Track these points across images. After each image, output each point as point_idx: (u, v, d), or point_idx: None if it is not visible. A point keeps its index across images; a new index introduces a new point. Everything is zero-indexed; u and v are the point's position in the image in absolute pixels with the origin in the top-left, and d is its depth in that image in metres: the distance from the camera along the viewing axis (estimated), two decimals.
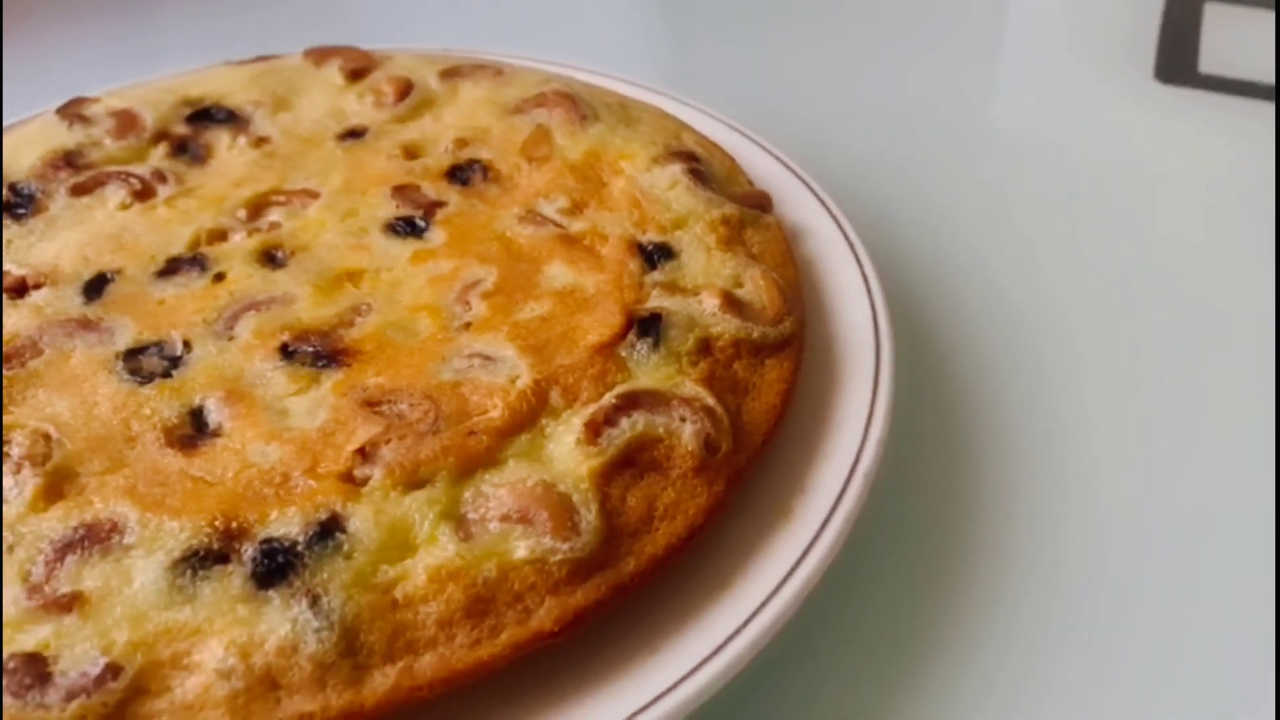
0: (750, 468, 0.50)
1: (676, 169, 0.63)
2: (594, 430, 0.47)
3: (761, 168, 0.69)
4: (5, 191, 0.65)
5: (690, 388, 0.50)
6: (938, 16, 1.03)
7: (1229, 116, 0.88)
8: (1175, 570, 0.54)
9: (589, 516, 0.45)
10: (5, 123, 0.72)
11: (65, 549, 0.44)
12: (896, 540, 0.55)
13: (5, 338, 0.55)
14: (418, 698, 0.41)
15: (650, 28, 1.05)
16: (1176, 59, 0.95)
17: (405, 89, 0.72)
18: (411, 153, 0.68)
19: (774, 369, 0.53)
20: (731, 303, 0.54)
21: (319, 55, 0.76)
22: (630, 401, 0.49)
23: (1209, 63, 0.94)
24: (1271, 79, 0.91)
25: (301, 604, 0.41)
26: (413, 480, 0.46)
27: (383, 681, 0.41)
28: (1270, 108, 0.88)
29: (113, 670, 0.40)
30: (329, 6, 1.04)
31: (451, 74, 0.74)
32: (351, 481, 0.46)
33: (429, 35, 0.82)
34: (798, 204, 0.67)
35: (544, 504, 0.44)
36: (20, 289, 0.58)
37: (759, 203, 0.64)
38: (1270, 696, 0.48)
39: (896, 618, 0.52)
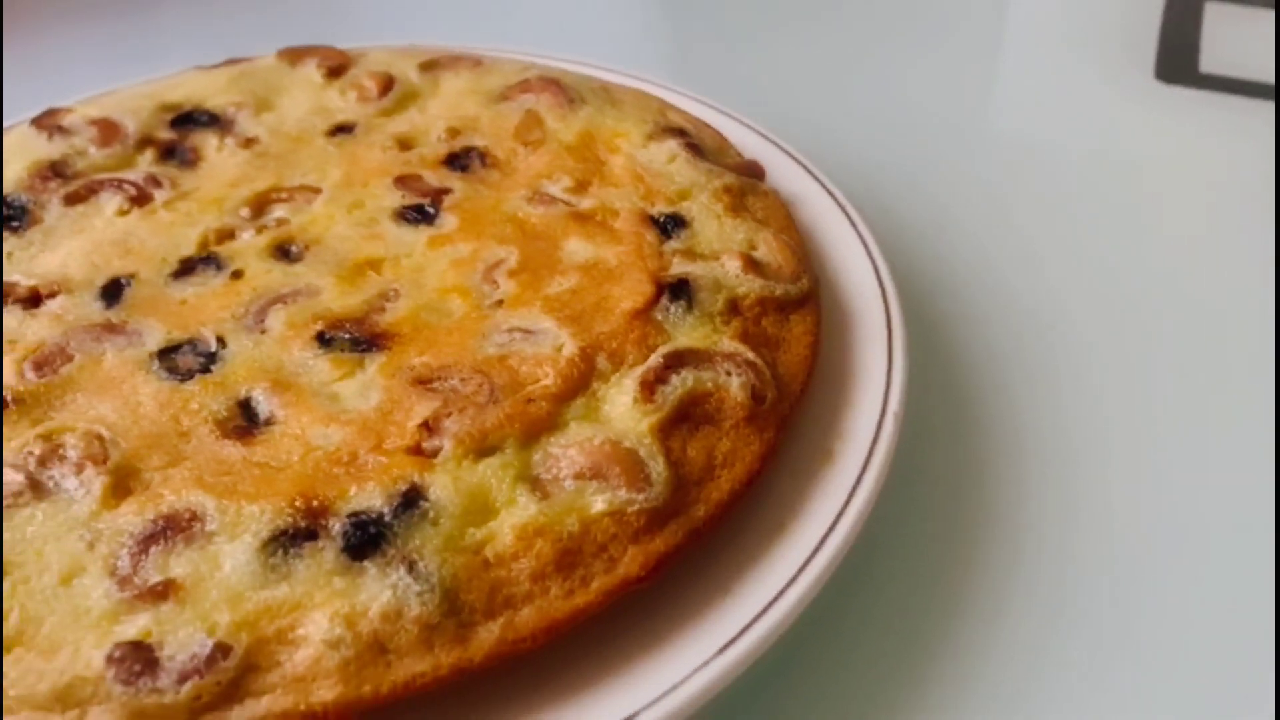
0: (794, 415, 0.52)
1: (673, 143, 0.66)
2: (648, 388, 0.49)
3: (753, 147, 0.72)
4: None
5: (729, 344, 0.52)
6: (938, 16, 1.04)
7: (1229, 116, 0.88)
8: (1185, 569, 0.55)
9: (658, 468, 0.47)
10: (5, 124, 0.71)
11: (148, 541, 0.44)
12: (905, 536, 0.56)
13: (31, 347, 0.54)
14: (522, 649, 0.43)
15: (650, 27, 1.06)
16: (1177, 58, 0.95)
17: (388, 83, 0.73)
18: (405, 144, 0.68)
19: (799, 323, 0.56)
20: (751, 264, 0.57)
21: (293, 55, 0.77)
22: (677, 360, 0.51)
23: (1209, 62, 0.94)
24: (1272, 78, 0.91)
25: (400, 570, 0.42)
26: (482, 448, 0.47)
27: (488, 636, 0.42)
28: (1270, 107, 0.88)
29: (222, 650, 0.40)
30: (326, 6, 1.04)
31: (431, 66, 0.75)
32: (421, 454, 0.47)
33: (421, 32, 0.82)
34: (789, 177, 0.70)
35: (615, 460, 0.46)
36: (34, 299, 0.58)
37: (753, 171, 0.66)
38: (1272, 698, 0.49)
39: (905, 614, 0.53)
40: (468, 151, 0.67)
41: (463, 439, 0.47)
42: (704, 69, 0.98)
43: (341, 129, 0.70)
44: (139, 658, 0.40)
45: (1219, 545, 0.56)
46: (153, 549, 0.44)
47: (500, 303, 0.56)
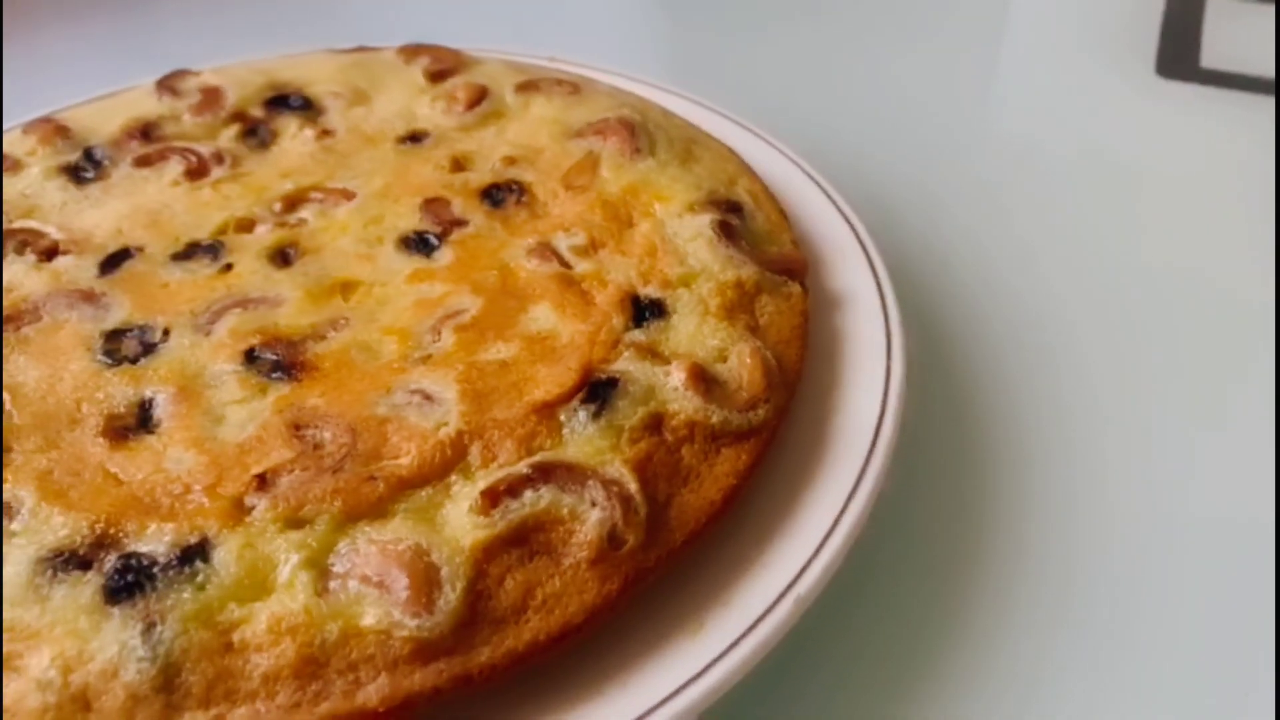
0: (662, 568, 0.45)
1: (705, 220, 0.58)
2: (492, 499, 0.44)
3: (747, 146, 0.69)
4: (79, 155, 0.67)
5: (616, 469, 0.46)
6: (939, 10, 1.04)
7: (1230, 111, 0.88)
8: (1185, 565, 0.55)
9: (450, 595, 0.41)
10: (6, 125, 0.72)
11: None
12: (907, 535, 0.56)
13: (19, 298, 0.56)
14: None
15: (650, 20, 1.05)
16: (1178, 54, 0.95)
17: (477, 98, 0.71)
18: (460, 165, 0.66)
19: (728, 460, 0.48)
20: (700, 378, 0.49)
21: (410, 52, 0.76)
22: (543, 473, 0.45)
23: (1210, 57, 0.94)
24: (1272, 73, 0.92)
25: (135, 629, 0.40)
26: (294, 518, 0.44)
27: None
28: (1271, 102, 0.88)
29: None
30: (331, 4, 1.03)
31: (528, 87, 0.72)
32: (240, 508, 0.44)
33: (428, 29, 0.80)
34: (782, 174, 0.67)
35: (408, 571, 0.41)
36: (51, 253, 0.60)
37: (789, 268, 0.58)
38: (1272, 695, 0.49)
39: (909, 612, 0.52)
40: (509, 185, 0.63)
41: (278, 503, 0.44)
42: (703, 67, 0.97)
43: (414, 137, 0.68)
44: None
45: (1219, 541, 0.56)
46: None
47: (428, 358, 0.52)
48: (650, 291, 0.55)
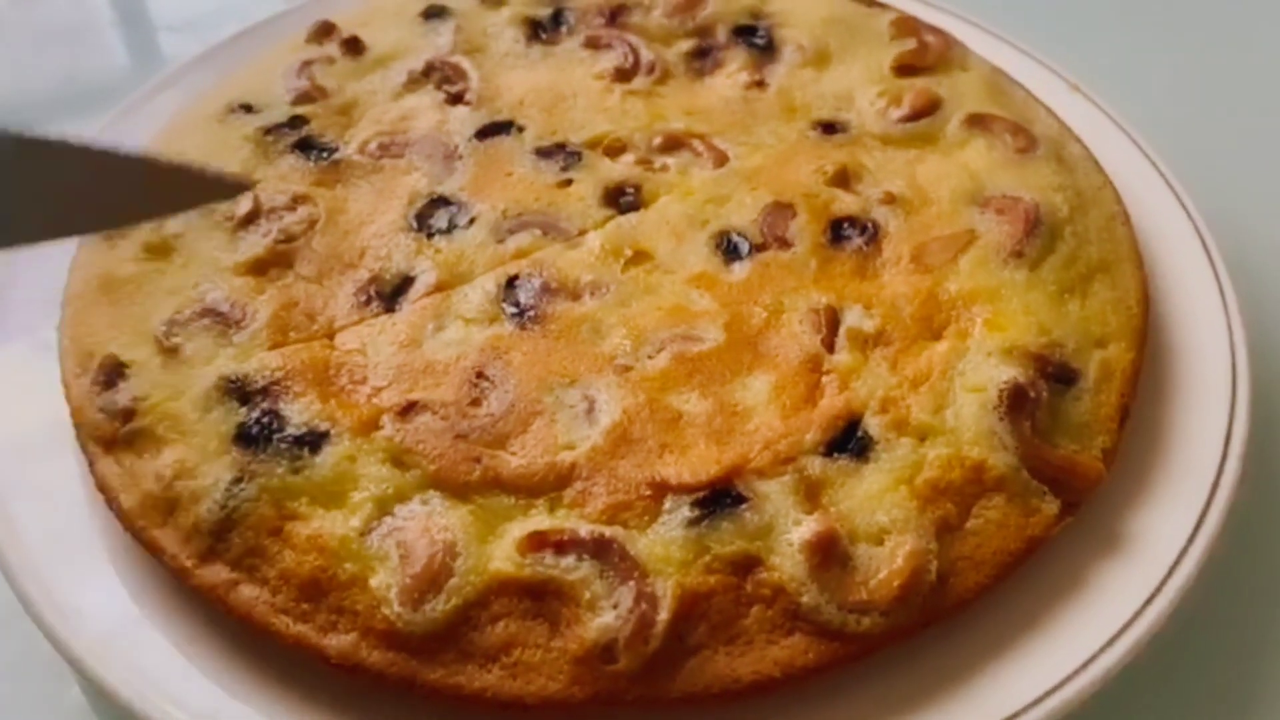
0: (640, 707, 0.45)
1: (1002, 375, 0.52)
2: (536, 544, 0.47)
3: None
4: (549, 12, 0.75)
5: (665, 588, 0.46)
6: None
7: None
8: None
9: (441, 605, 0.46)
10: None
11: None
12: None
13: (403, 127, 0.67)
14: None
15: None
16: None
17: (922, 111, 0.67)
18: (843, 179, 0.64)
19: (790, 650, 0.46)
20: (824, 549, 0.47)
21: (902, 27, 0.73)
22: (597, 548, 0.47)
23: None
24: None
25: (231, 474, 0.50)
26: (399, 457, 0.51)
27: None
28: None
29: None
30: None
31: (978, 123, 0.67)
32: (374, 424, 0.52)
33: None
34: None
35: (426, 560, 0.46)
36: (457, 98, 0.69)
37: (1065, 480, 0.51)
38: None
39: None
40: (866, 227, 0.61)
41: (399, 435, 0.51)
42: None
43: (831, 126, 0.67)
44: None
45: None
46: None
47: (628, 370, 0.54)
48: (874, 424, 0.51)
